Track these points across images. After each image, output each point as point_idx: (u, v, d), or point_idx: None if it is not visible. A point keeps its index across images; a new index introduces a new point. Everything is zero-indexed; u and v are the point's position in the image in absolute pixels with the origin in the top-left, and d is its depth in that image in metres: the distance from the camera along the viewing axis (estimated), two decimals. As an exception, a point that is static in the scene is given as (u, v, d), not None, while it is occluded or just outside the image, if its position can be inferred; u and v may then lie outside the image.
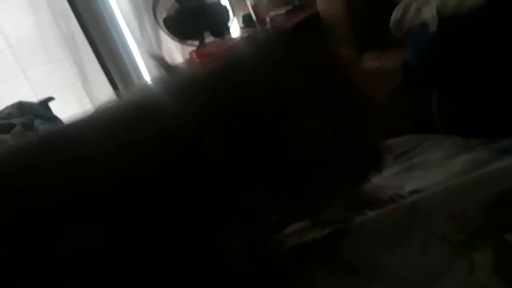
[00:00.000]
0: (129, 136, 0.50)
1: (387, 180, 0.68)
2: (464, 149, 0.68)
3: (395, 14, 1.24)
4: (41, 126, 1.22)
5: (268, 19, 1.55)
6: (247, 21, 1.77)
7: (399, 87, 1.16)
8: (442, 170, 0.66)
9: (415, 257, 0.54)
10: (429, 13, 1.24)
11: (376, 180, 0.67)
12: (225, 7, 1.71)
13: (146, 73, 2.00)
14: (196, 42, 1.73)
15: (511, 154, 0.63)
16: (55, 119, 1.37)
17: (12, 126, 1.14)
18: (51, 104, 1.48)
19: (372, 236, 0.59)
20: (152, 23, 1.80)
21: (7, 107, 1.34)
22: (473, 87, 1.15)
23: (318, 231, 0.61)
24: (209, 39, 1.73)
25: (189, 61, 1.66)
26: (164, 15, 1.68)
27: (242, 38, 1.72)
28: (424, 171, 0.69)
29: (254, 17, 1.56)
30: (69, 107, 1.72)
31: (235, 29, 1.82)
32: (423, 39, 1.19)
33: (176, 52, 1.90)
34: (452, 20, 1.26)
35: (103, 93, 1.84)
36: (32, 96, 1.64)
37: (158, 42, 1.91)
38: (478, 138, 0.73)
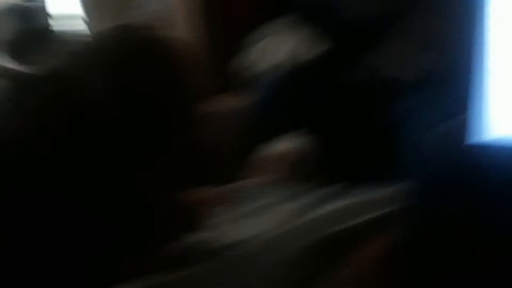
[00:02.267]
0: None
1: (215, 230, 0.64)
2: (291, 197, 0.68)
3: (247, 57, 1.27)
4: None
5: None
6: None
7: (246, 131, 1.17)
8: (269, 218, 0.65)
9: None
10: (278, 59, 1.29)
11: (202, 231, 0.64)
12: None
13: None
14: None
15: (330, 199, 0.65)
16: None
17: None
18: None
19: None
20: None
21: None
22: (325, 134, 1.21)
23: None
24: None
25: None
26: None
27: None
28: (253, 219, 0.67)
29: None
30: None
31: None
32: (272, 84, 1.23)
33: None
34: (301, 67, 1.33)
35: None
36: None
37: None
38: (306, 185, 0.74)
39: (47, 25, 1.70)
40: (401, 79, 1.08)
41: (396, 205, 0.58)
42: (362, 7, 1.20)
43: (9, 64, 1.52)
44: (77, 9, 1.60)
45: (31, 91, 0.51)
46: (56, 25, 1.73)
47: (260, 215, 0.67)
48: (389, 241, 0.53)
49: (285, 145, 1.01)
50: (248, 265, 0.55)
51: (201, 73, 0.58)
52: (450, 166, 0.50)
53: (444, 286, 0.47)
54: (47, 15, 1.74)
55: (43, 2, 1.76)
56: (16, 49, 1.58)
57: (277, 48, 1.34)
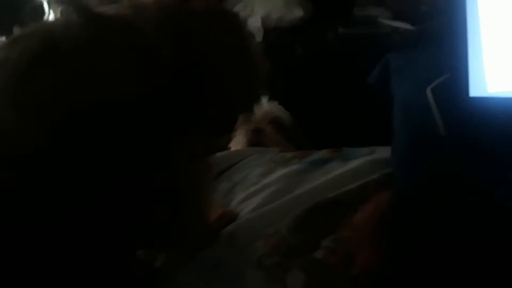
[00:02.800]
0: None
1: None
2: (280, 164, 0.68)
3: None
4: None
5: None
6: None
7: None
8: (258, 189, 0.64)
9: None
10: (254, 24, 1.26)
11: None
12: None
13: None
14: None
15: (319, 165, 0.64)
16: None
17: None
18: None
19: (189, 276, 0.55)
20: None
21: None
22: (304, 98, 1.21)
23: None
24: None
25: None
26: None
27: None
28: (243, 192, 0.66)
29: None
30: None
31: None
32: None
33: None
34: (275, 32, 1.31)
35: None
36: None
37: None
38: (295, 151, 0.74)
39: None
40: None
41: (387, 168, 0.59)
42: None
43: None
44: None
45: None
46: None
47: (251, 186, 0.67)
48: (384, 203, 0.53)
49: (268, 108, 1.01)
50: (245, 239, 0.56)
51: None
52: (449, 118, 0.50)
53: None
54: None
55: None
56: None
57: (253, 11, 1.31)
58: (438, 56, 0.58)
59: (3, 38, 1.47)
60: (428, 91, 0.56)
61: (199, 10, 0.51)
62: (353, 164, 0.62)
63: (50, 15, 1.55)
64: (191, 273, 0.54)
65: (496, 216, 0.42)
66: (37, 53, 0.45)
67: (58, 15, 0.52)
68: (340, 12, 1.28)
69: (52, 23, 0.56)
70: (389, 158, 0.59)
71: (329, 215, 0.54)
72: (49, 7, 1.56)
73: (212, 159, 0.58)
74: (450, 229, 0.44)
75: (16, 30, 1.49)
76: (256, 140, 0.94)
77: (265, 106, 1.01)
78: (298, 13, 1.29)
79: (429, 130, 0.54)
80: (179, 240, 0.55)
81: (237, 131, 0.95)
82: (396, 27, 1.17)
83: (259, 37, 1.24)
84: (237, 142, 0.95)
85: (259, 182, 0.65)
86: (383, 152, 0.63)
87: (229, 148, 0.93)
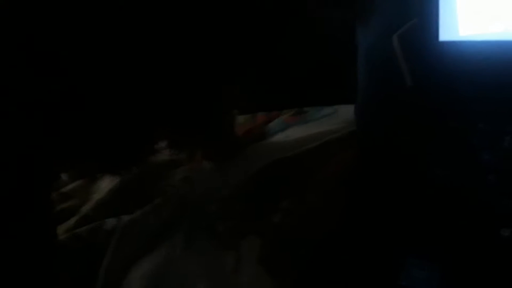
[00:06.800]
0: None
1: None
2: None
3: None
4: None
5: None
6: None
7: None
8: None
9: (179, 257, 0.46)
10: None
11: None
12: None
13: None
14: None
15: (278, 132, 0.60)
16: None
17: None
18: None
19: (135, 238, 0.49)
20: None
21: None
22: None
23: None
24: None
25: None
26: None
27: None
28: None
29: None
30: None
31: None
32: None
33: None
34: None
35: None
36: None
37: None
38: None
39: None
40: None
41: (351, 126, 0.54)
42: None
43: None
44: None
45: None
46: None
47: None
48: (347, 162, 0.49)
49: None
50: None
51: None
52: (417, 67, 0.45)
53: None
54: None
55: None
56: None
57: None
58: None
59: None
60: (395, 38, 0.51)
61: None
62: (313, 125, 0.58)
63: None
64: (137, 237, 0.50)
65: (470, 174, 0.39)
66: None
67: None
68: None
69: None
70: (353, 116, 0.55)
71: (287, 175, 0.50)
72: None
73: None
74: (419, 189, 0.40)
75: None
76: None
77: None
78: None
79: (395, 82, 0.49)
80: (205, 145, 0.56)
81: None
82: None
83: None
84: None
85: None
86: (347, 111, 0.58)
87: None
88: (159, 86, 0.44)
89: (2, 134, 0.40)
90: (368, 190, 0.42)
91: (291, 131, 0.60)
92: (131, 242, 0.49)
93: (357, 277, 0.35)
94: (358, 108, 0.55)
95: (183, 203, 0.52)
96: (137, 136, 0.47)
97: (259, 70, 0.60)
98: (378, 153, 0.46)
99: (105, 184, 0.58)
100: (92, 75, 0.41)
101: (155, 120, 0.48)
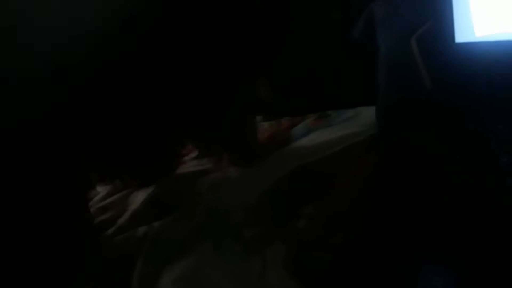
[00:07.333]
0: None
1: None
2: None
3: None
4: None
5: None
6: None
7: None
8: None
9: (208, 263, 0.48)
10: None
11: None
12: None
13: None
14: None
15: (302, 136, 0.61)
16: None
17: None
18: None
19: (165, 244, 0.52)
20: None
21: None
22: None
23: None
24: None
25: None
26: None
27: None
28: None
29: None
30: None
31: None
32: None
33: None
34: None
35: None
36: None
37: None
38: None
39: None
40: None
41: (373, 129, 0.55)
42: None
43: None
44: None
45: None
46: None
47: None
48: (369, 167, 0.49)
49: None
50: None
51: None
52: (436, 69, 0.46)
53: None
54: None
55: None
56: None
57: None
58: (423, 0, 0.53)
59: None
60: (413, 41, 0.51)
61: None
62: (336, 129, 0.59)
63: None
64: (168, 243, 0.52)
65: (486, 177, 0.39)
66: None
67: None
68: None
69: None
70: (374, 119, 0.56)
71: (310, 181, 0.51)
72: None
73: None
74: (438, 194, 0.40)
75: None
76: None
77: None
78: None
79: (415, 85, 0.50)
80: (230, 149, 0.58)
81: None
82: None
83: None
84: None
85: None
86: (369, 113, 0.59)
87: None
88: (181, 89, 0.47)
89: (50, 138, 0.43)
90: (388, 196, 0.43)
91: (315, 135, 0.61)
92: (162, 248, 0.52)
93: (377, 282, 0.36)
94: (379, 110, 0.55)
95: (210, 210, 0.53)
96: (165, 138, 0.50)
97: (280, 73, 0.62)
98: (398, 155, 0.47)
99: (140, 197, 0.61)
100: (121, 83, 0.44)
101: (181, 122, 0.50)
